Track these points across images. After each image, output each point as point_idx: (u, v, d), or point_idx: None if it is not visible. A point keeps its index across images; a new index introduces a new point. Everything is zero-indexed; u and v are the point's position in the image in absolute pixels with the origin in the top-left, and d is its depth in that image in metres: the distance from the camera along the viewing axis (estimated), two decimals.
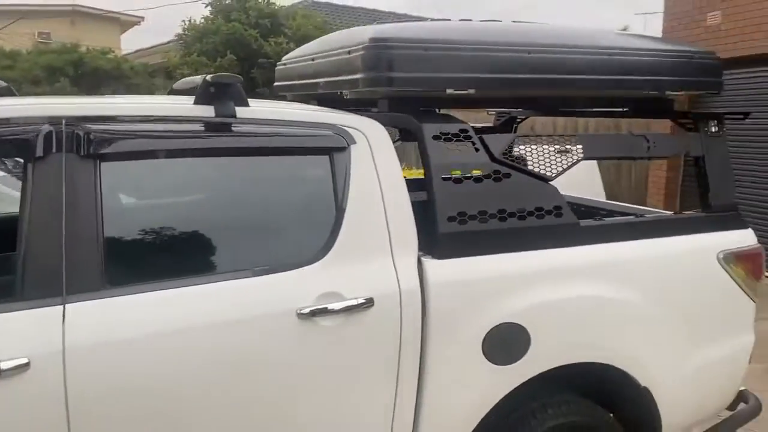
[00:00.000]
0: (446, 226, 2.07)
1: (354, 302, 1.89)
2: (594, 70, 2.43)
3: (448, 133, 2.15)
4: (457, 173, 2.11)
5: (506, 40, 2.31)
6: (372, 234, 1.99)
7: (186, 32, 8.41)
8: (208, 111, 1.91)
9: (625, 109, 3.00)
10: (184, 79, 2.65)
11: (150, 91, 8.89)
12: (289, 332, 1.83)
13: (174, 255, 1.82)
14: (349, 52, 2.25)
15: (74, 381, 1.59)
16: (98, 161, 1.72)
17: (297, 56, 2.89)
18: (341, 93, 2.32)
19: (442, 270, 2.03)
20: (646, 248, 2.40)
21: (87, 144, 1.70)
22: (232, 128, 1.91)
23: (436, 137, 2.13)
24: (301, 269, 1.89)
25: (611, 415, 2.40)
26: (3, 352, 1.54)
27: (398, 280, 1.97)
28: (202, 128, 1.88)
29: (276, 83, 3.07)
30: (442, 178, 2.09)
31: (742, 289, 2.58)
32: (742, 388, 2.79)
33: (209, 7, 8.65)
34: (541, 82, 2.38)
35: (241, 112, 1.94)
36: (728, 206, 2.62)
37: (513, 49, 2.29)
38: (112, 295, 1.68)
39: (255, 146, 1.94)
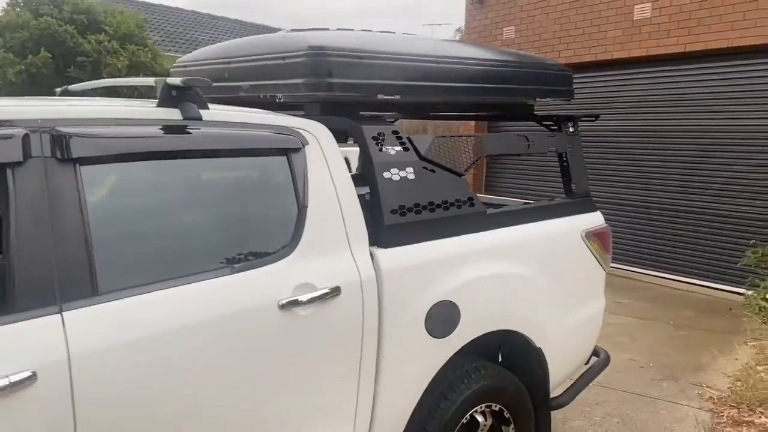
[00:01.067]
0: (390, 219, 2.30)
1: (325, 291, 2.05)
2: (486, 80, 2.83)
3: (384, 134, 2.39)
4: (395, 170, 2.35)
5: (425, 52, 2.61)
6: (331, 229, 2.16)
7: None
8: (174, 113, 1.93)
9: (497, 114, 3.48)
10: (82, 84, 2.55)
11: None
12: (273, 323, 1.93)
13: (160, 257, 1.82)
14: (284, 58, 2.38)
15: (81, 387, 1.55)
16: (78, 164, 1.67)
17: (202, 59, 2.90)
18: (276, 97, 2.42)
19: (390, 258, 2.26)
20: (534, 230, 2.86)
21: (67, 147, 1.65)
22: (200, 130, 1.95)
23: (374, 138, 2.35)
24: (276, 264, 1.99)
25: (515, 377, 2.81)
26: (6, 366, 1.46)
27: (358, 270, 2.16)
28: (171, 131, 1.89)
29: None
30: (384, 175, 2.32)
31: (598, 261, 3.16)
32: None
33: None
34: (445, 90, 2.71)
35: (204, 114, 1.98)
36: (584, 193, 3.20)
37: (429, 60, 2.59)
38: (104, 301, 1.65)
39: (223, 147, 1.99)
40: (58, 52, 6.98)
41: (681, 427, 3.77)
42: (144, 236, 1.82)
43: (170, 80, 1.95)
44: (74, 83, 6.58)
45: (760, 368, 4.42)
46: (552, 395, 3.00)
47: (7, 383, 1.45)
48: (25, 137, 1.61)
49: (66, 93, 2.56)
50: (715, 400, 4.12)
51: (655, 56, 7.39)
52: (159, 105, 1.94)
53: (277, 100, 2.45)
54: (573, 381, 3.24)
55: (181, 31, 12.70)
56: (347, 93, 2.36)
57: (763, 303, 5.51)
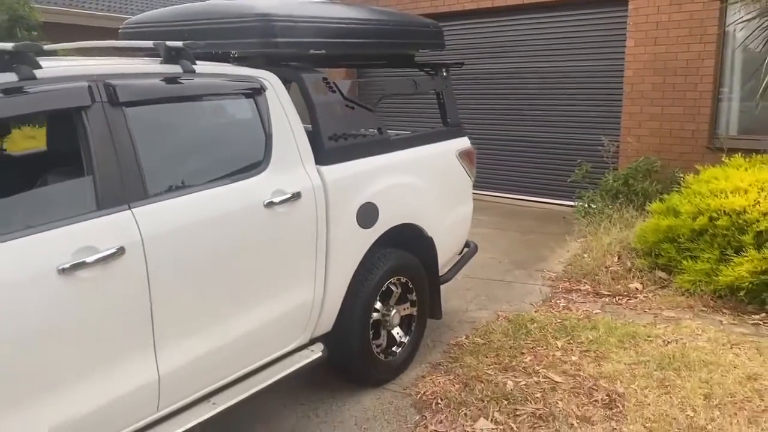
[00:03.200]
0: (328, 144, 3.16)
1: (290, 194, 2.88)
2: (381, 36, 3.71)
3: (318, 80, 3.21)
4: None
5: (339, 16, 3.43)
6: (289, 151, 2.97)
7: None
8: (176, 68, 2.63)
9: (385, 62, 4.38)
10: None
11: None
12: (261, 217, 2.75)
13: (183, 171, 2.56)
14: (237, 22, 3.10)
15: (149, 256, 2.30)
16: (123, 106, 2.36)
17: (155, 21, 3.50)
18: (231, 53, 3.14)
19: (330, 172, 3.12)
20: (423, 151, 3.84)
21: (115, 94, 2.33)
22: (193, 80, 2.67)
23: (313, 82, 3.17)
24: (257, 176, 2.80)
25: (416, 258, 3.81)
26: (107, 242, 2.18)
27: (311, 180, 3.01)
28: (176, 81, 2.60)
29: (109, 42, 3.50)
30: (321, 111, 3.16)
31: (467, 173, 4.22)
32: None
33: None
34: (356, 45, 3.57)
35: (196, 68, 2.70)
36: (456, 123, 4.23)
37: (344, 22, 3.42)
38: (153, 201, 2.38)
39: (211, 93, 2.74)
40: None
41: (529, 296, 5.05)
42: (169, 157, 2.55)
43: (170, 43, 2.64)
44: None
45: (585, 255, 5.83)
46: (440, 274, 4.07)
47: (111, 252, 2.18)
48: (90, 87, 2.27)
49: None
50: (553, 279, 5.46)
51: (501, 7, 8.56)
52: (163, 62, 2.63)
53: (231, 56, 3.16)
54: (453, 264, 4.34)
55: None
56: (288, 49, 3.14)
57: (586, 208, 7.00)
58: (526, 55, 8.54)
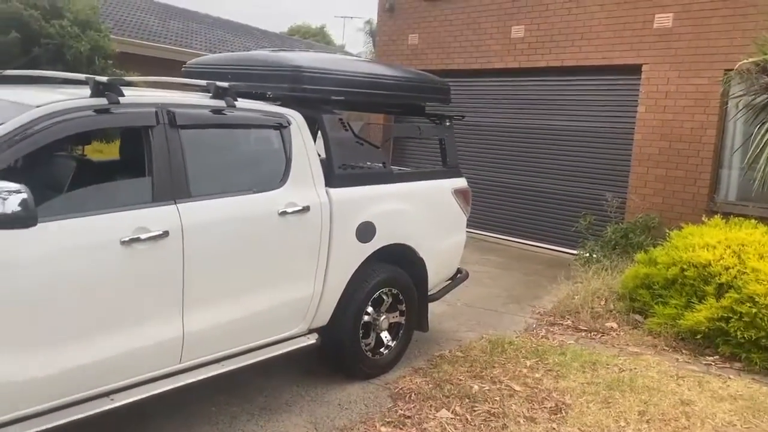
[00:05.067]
0: (337, 171, 3.91)
1: (301, 207, 3.63)
2: (397, 89, 4.50)
3: (335, 120, 3.99)
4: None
5: (358, 70, 4.24)
6: (304, 174, 3.73)
7: None
8: (221, 103, 3.45)
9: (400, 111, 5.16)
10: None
11: None
12: (275, 222, 3.50)
13: (219, 180, 3.34)
14: (275, 70, 3.92)
15: (186, 241, 3.06)
16: (179, 129, 3.16)
17: (210, 63, 4.37)
18: (267, 93, 3.94)
19: (337, 194, 3.86)
20: (421, 185, 4.56)
21: (174, 119, 3.14)
22: (234, 113, 3.48)
23: (330, 122, 3.95)
24: (275, 190, 3.56)
25: (407, 275, 4.48)
26: (156, 226, 2.95)
27: (319, 198, 3.76)
28: (221, 112, 3.41)
29: (175, 78, 4.36)
30: (334, 145, 3.92)
31: (461, 209, 4.92)
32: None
33: None
34: (370, 95, 4.35)
35: (237, 104, 3.51)
36: (454, 165, 4.95)
37: (361, 75, 4.23)
38: (194, 200, 3.16)
39: (248, 123, 3.55)
40: (24, 34, 7.94)
41: (515, 326, 5.64)
42: (208, 169, 3.33)
43: (219, 84, 3.46)
44: (39, 62, 7.82)
45: (575, 297, 6.39)
46: (430, 292, 4.73)
47: (159, 233, 2.95)
48: (156, 113, 3.09)
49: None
50: (541, 313, 6.05)
51: (525, 68, 9.36)
52: (212, 98, 3.44)
53: (267, 96, 3.97)
54: (444, 286, 5.00)
55: (112, 11, 13.52)
56: (314, 94, 3.93)
57: (587, 257, 7.57)
58: (542, 112, 9.28)
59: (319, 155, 3.91)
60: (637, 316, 5.67)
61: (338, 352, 4.09)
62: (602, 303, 6.08)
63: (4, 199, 2.34)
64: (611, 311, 5.87)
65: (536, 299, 6.59)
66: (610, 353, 4.96)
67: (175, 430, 3.45)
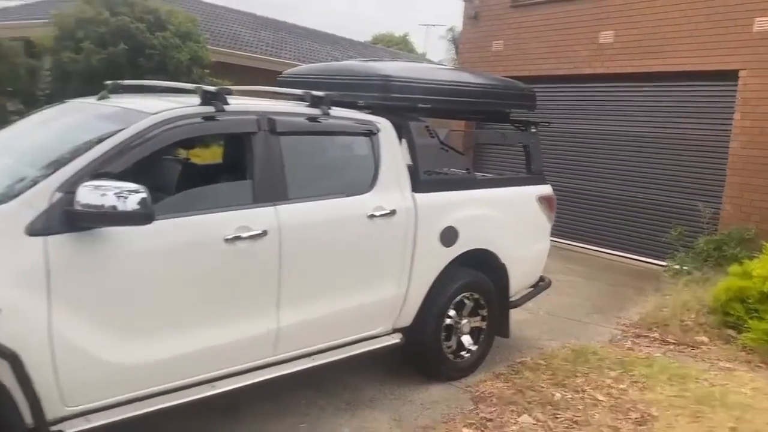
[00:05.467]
0: (423, 177, 4.02)
1: (388, 210, 3.76)
2: (482, 96, 4.57)
3: (421, 127, 4.11)
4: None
5: (444, 78, 4.34)
6: (391, 179, 3.87)
7: (59, 19, 9.01)
8: (316, 111, 3.63)
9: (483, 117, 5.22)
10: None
11: (34, 70, 9.31)
12: (364, 224, 3.65)
13: (309, 184, 3.53)
14: (365, 79, 4.09)
15: (283, 240, 3.25)
16: (279, 135, 3.37)
17: (303, 74, 4.59)
18: (357, 102, 4.11)
19: (422, 198, 3.97)
20: (505, 191, 4.60)
21: (274, 126, 3.34)
22: (329, 120, 3.66)
23: (416, 129, 4.07)
24: (364, 194, 3.71)
25: (489, 280, 4.52)
26: (256, 225, 3.16)
27: (405, 202, 3.88)
28: (316, 120, 3.60)
29: (275, 88, 4.60)
30: (420, 151, 4.04)
31: (546, 216, 4.91)
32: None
33: None
34: (456, 102, 4.44)
35: (331, 112, 3.69)
36: (539, 172, 4.95)
37: (447, 83, 4.32)
38: (291, 202, 3.35)
39: (341, 130, 3.73)
40: (130, 45, 8.55)
41: (599, 336, 5.56)
42: (304, 173, 3.52)
43: (314, 93, 3.65)
44: (144, 72, 8.36)
45: (663, 309, 6.21)
46: (511, 298, 4.75)
47: (258, 232, 3.15)
48: (258, 120, 3.31)
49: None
50: (627, 325, 5.92)
51: (613, 74, 9.16)
52: (308, 106, 3.64)
53: (357, 104, 4.14)
54: (525, 293, 5.00)
55: (208, 23, 14.25)
56: (401, 103, 4.07)
57: (676, 267, 7.32)
58: (630, 119, 9.05)
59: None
60: (730, 331, 5.46)
61: (420, 353, 4.19)
62: (692, 316, 5.88)
63: (125, 198, 2.59)
64: (702, 325, 5.67)
65: (622, 310, 6.44)
66: (701, 367, 4.81)
67: (268, 418, 3.65)
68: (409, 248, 3.90)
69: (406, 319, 4.04)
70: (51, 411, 2.59)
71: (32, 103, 9.78)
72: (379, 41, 31.23)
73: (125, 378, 2.81)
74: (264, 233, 3.18)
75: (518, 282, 4.78)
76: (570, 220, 9.40)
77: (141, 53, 8.64)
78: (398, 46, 30.20)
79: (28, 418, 2.53)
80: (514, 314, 4.95)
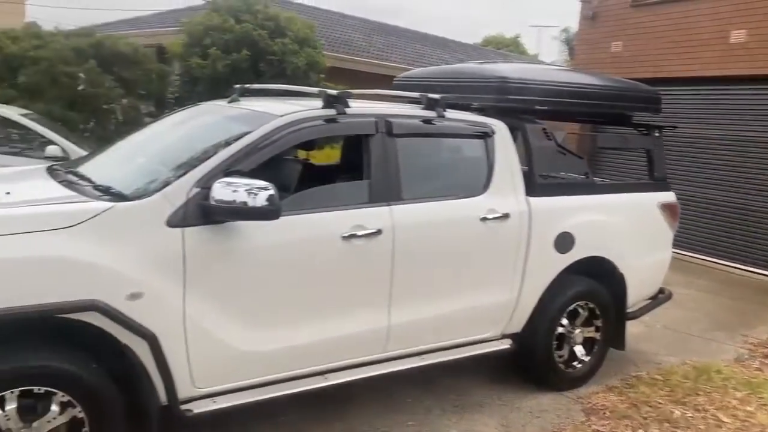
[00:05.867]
0: (538, 180, 3.95)
1: (501, 214, 3.73)
2: (603, 98, 4.42)
3: (538, 130, 4.04)
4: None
5: (563, 80, 4.24)
6: (506, 181, 3.83)
7: (189, 27, 9.65)
8: (432, 113, 3.67)
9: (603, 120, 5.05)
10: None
11: (165, 75, 10.08)
12: (475, 228, 3.64)
13: (428, 186, 3.57)
14: (481, 81, 4.07)
15: (396, 240, 3.31)
16: (395, 137, 3.43)
17: (419, 77, 4.65)
18: (472, 104, 4.10)
19: (537, 202, 3.90)
20: (625, 197, 4.43)
21: (390, 128, 3.41)
22: (444, 122, 3.68)
23: (533, 131, 4.01)
24: (478, 197, 3.70)
25: (605, 289, 4.36)
26: (371, 224, 3.24)
27: (519, 206, 3.83)
28: (431, 122, 3.64)
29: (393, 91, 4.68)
30: (536, 154, 3.97)
31: (668, 225, 4.67)
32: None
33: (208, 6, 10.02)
34: (574, 104, 4.32)
35: (446, 114, 3.71)
36: (662, 178, 4.72)
37: (566, 85, 4.22)
38: (405, 203, 3.40)
39: (455, 132, 3.74)
40: (253, 52, 9.01)
41: (723, 354, 5.21)
42: (419, 174, 3.56)
43: (430, 95, 3.68)
44: (263, 77, 8.76)
45: None
46: (628, 309, 4.56)
47: (373, 231, 3.23)
48: (376, 122, 3.39)
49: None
50: (755, 344, 5.51)
51: (745, 76, 8.54)
52: (424, 108, 3.68)
53: (472, 106, 4.13)
54: (644, 305, 4.78)
55: (323, 29, 14.74)
56: (518, 105, 4.02)
57: None
58: (762, 124, 8.39)
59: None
60: None
61: (530, 360, 4.11)
62: None
63: (255, 195, 2.74)
64: None
65: (749, 328, 6.01)
66: None
67: (376, 413, 3.72)
68: (521, 253, 3.84)
69: (517, 325, 3.98)
70: (182, 390, 2.78)
71: (162, 105, 10.56)
72: (489, 43, 30.94)
73: (248, 364, 2.97)
74: (378, 232, 3.25)
75: (636, 293, 4.58)
76: (691, 230, 8.87)
77: (262, 59, 9.08)
78: (509, 48, 29.76)
79: (162, 396, 2.74)
80: (630, 326, 4.74)
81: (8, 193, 2.89)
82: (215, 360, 2.87)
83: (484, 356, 3.87)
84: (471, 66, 4.37)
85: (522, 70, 4.19)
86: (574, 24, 11.53)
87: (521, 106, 4.05)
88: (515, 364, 4.24)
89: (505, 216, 3.75)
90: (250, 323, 2.95)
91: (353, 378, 3.32)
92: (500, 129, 3.89)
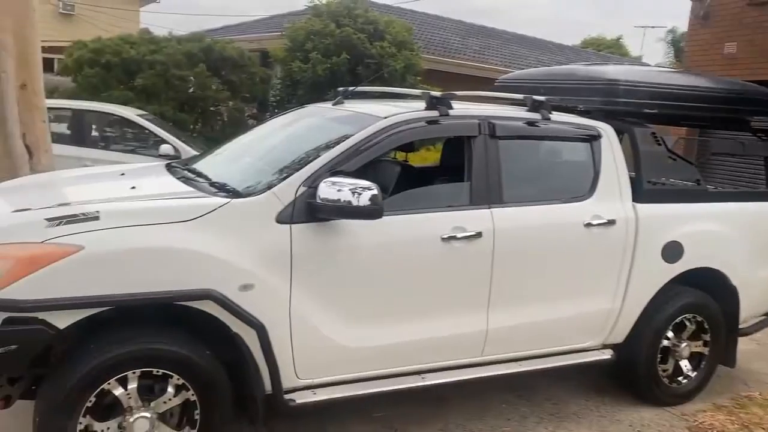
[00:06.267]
0: (646, 186, 3.80)
1: (606, 220, 3.61)
2: (720, 101, 4.20)
3: (647, 134, 3.89)
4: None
5: (675, 83, 4.06)
6: (611, 187, 3.71)
7: (291, 31, 9.99)
8: (536, 116, 3.61)
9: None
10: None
11: (267, 78, 10.52)
12: (580, 233, 3.55)
13: (525, 188, 3.53)
14: (588, 83, 3.97)
15: (497, 243, 3.29)
16: (497, 139, 3.41)
17: (521, 78, 4.59)
18: (577, 106, 4.00)
19: (644, 209, 3.76)
20: (739, 206, 4.18)
21: (494, 130, 3.39)
22: (549, 125, 3.62)
23: (641, 135, 3.86)
24: (582, 202, 3.61)
25: (715, 302, 4.13)
26: (472, 226, 3.23)
27: (625, 212, 3.70)
28: (535, 124, 3.58)
29: (495, 93, 4.63)
30: (644, 159, 3.82)
31: None
32: None
33: (310, 11, 10.33)
34: (687, 108, 4.13)
35: (551, 117, 3.64)
36: None
37: (677, 88, 4.04)
38: (506, 206, 3.37)
39: (559, 135, 3.67)
40: (352, 55, 9.20)
41: None
42: (521, 177, 3.52)
43: (536, 97, 3.63)
44: (361, 79, 8.91)
45: None
46: (740, 325, 4.29)
47: (473, 234, 3.22)
48: (479, 124, 3.38)
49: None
50: None
51: None
52: (528, 110, 3.63)
53: (578, 108, 4.03)
54: (759, 320, 4.48)
55: (420, 31, 14.82)
56: (626, 108, 3.89)
57: None
58: None
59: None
60: None
61: (633, 373, 3.96)
62: None
63: (359, 194, 2.80)
64: None
65: None
66: None
67: (471, 416, 3.70)
68: (626, 261, 3.71)
69: (619, 335, 3.85)
70: (286, 381, 2.89)
71: (264, 108, 10.99)
72: (589, 45, 30.01)
73: (348, 359, 3.05)
74: (479, 235, 3.24)
75: (750, 308, 4.30)
76: None
77: (360, 62, 9.25)
78: (610, 50, 28.75)
79: (267, 385, 2.85)
80: (742, 343, 4.47)
81: (133, 187, 3.12)
82: (317, 353, 2.96)
83: (584, 366, 3.76)
84: (578, 67, 4.27)
85: (632, 72, 4.05)
86: (682, 24, 10.99)
87: (630, 109, 3.91)
88: (616, 376, 4.10)
89: (611, 222, 3.63)
90: (351, 319, 3.02)
91: (449, 380, 3.32)
92: (607, 132, 3.78)
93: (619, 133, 3.89)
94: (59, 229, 2.51)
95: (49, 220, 2.57)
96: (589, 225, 3.57)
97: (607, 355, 3.81)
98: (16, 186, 3.73)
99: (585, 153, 3.73)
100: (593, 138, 3.73)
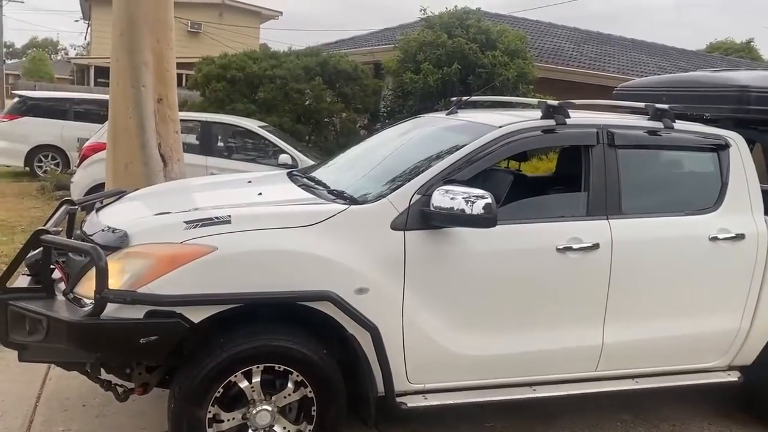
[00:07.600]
0: None
1: (734, 234, 3.42)
2: None
3: None
4: None
5: None
6: (740, 199, 3.50)
7: (403, 43, 10.18)
8: (658, 124, 3.49)
9: None
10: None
11: (378, 90, 10.83)
12: (702, 248, 3.38)
13: (646, 199, 3.41)
14: (716, 91, 3.78)
15: (614, 255, 3.20)
16: (616, 148, 3.32)
17: (642, 86, 4.44)
18: (704, 115, 3.82)
19: None
20: None
21: (612, 139, 3.31)
22: (671, 134, 3.48)
23: None
24: (707, 214, 3.44)
25: None
26: (588, 238, 3.17)
27: (756, 226, 3.48)
28: (657, 133, 3.46)
29: (614, 101, 4.50)
30: None
31: None
32: None
33: (423, 22, 10.50)
34: None
35: (675, 126, 3.50)
36: None
37: None
38: (625, 217, 3.27)
39: (683, 145, 3.52)
40: (463, 65, 9.23)
41: None
42: (641, 188, 3.41)
43: (658, 106, 3.51)
44: (472, 89, 8.86)
45: None
46: None
47: (590, 245, 3.16)
48: (597, 133, 3.31)
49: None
50: None
51: None
52: (649, 119, 3.51)
53: (704, 117, 3.84)
54: None
55: (532, 39, 14.61)
56: (759, 116, 3.66)
57: None
58: None
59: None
60: None
61: (762, 398, 3.70)
62: None
63: (472, 203, 2.84)
64: None
65: None
66: None
67: None
68: (757, 278, 3.48)
69: (747, 357, 3.61)
70: (398, 384, 2.96)
71: (375, 119, 11.25)
72: (715, 49, 28.21)
73: (459, 366, 3.08)
74: (595, 246, 3.18)
75: None
76: None
77: (471, 72, 9.27)
78: (739, 54, 26.86)
79: (380, 387, 2.94)
80: None
81: (260, 194, 3.33)
82: (428, 358, 3.02)
83: (707, 387, 3.57)
84: (703, 74, 4.07)
85: (764, 77, 3.81)
86: None
87: (763, 117, 3.68)
88: (744, 400, 3.84)
89: (739, 236, 3.43)
90: (463, 326, 3.05)
91: (562, 393, 3.27)
92: (736, 142, 3.58)
93: (750, 142, 3.68)
94: (196, 231, 2.73)
95: (187, 222, 2.80)
96: (714, 239, 3.39)
97: (733, 377, 3.59)
98: (154, 192, 4.07)
99: (711, 163, 3.55)
100: (720, 147, 3.54)
